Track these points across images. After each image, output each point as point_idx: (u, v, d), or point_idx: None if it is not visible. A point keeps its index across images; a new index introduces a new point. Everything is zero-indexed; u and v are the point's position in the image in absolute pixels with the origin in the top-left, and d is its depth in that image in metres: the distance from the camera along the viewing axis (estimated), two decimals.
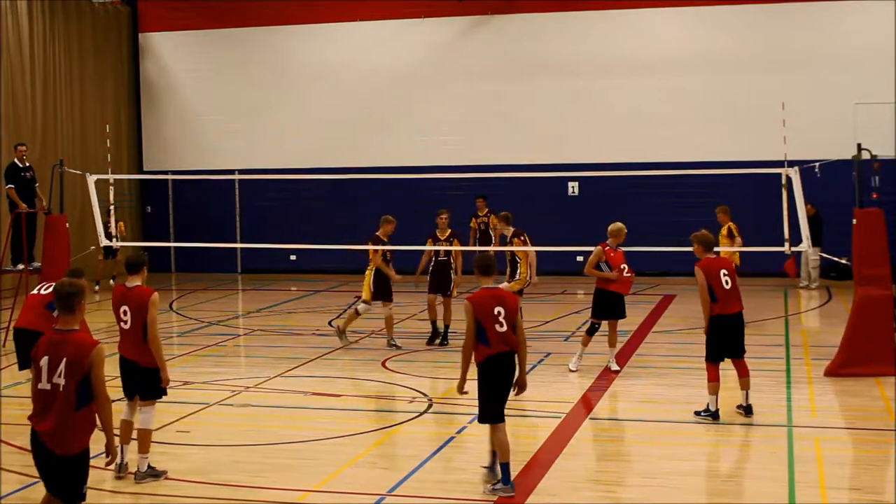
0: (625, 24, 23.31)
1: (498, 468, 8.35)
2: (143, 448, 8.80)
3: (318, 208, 24.65)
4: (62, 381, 6.39)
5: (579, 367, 12.93)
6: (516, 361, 8.33)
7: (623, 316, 13.00)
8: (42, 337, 6.68)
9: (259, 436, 10.20)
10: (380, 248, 14.61)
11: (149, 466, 8.81)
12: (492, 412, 8.30)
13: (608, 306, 12.84)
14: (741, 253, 15.93)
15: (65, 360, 6.39)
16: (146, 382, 8.84)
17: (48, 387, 6.43)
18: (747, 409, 10.50)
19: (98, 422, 6.65)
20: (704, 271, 10.38)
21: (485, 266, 8.47)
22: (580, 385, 12.25)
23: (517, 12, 23.87)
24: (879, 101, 20.88)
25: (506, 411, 8.33)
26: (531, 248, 14.10)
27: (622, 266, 12.74)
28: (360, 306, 14.77)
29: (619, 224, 12.94)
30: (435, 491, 8.40)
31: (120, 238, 21.48)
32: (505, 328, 8.22)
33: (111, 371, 10.66)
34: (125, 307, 8.77)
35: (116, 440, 8.68)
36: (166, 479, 8.78)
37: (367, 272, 14.76)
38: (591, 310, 13.06)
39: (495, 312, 8.20)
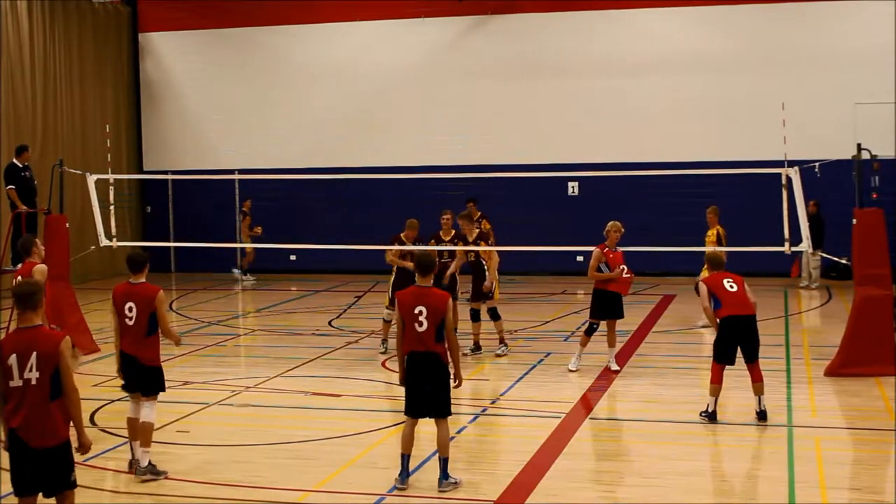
0: (624, 24, 23.28)
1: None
2: (145, 442, 8.85)
3: (317, 208, 24.63)
4: (34, 375, 6.49)
5: (579, 368, 12.94)
6: (444, 362, 8.40)
7: (621, 316, 12.99)
8: (4, 338, 6.75)
9: (259, 436, 10.21)
10: (396, 248, 14.34)
11: (150, 463, 8.83)
12: (408, 406, 8.58)
13: (606, 306, 12.83)
14: (733, 254, 15.83)
15: (36, 354, 6.48)
16: (146, 379, 8.94)
17: (20, 383, 6.52)
18: (761, 415, 10.31)
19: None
20: (708, 285, 10.45)
21: (422, 266, 8.58)
22: (580, 385, 12.25)
23: (517, 12, 23.85)
24: (879, 101, 20.86)
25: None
26: (494, 249, 13.98)
27: (622, 267, 12.75)
28: (385, 314, 14.34)
29: (615, 222, 12.94)
30: (435, 491, 8.40)
31: (253, 239, 23.13)
32: (424, 328, 8.32)
33: (111, 370, 10.68)
34: (131, 303, 8.89)
35: (126, 435, 8.84)
36: (166, 479, 8.79)
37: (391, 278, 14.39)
38: (589, 310, 13.08)
39: (416, 311, 8.33)
